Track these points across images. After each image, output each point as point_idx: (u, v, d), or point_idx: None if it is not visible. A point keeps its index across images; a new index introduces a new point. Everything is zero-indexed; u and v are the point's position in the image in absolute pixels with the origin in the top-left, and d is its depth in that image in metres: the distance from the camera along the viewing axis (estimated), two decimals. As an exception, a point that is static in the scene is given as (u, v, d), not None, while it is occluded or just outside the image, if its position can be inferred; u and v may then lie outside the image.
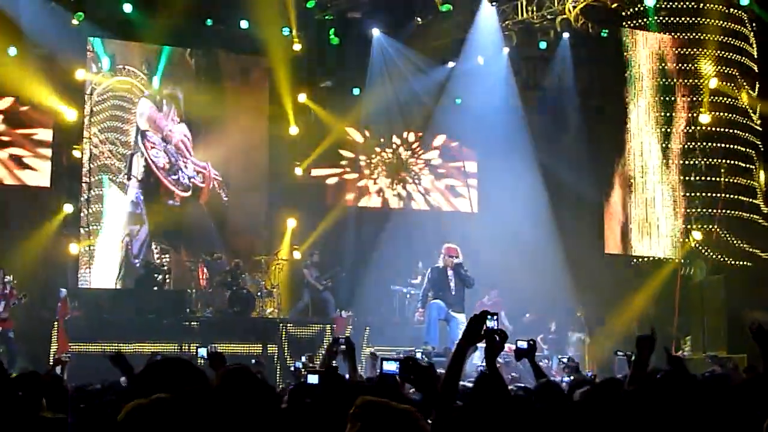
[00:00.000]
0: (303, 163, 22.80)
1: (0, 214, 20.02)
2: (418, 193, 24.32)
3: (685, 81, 21.13)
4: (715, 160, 20.82)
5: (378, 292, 21.26)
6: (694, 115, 21.02)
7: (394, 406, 3.59)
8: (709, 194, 20.92)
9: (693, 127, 21.02)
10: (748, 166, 21.18)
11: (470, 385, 7.43)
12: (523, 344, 7.06)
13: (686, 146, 21.12)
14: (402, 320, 20.54)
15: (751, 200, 20.99)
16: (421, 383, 4.88)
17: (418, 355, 14.91)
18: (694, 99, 21.03)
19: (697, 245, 20.58)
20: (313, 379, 5.52)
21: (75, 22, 20.20)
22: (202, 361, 8.41)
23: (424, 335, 16.69)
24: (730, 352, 19.21)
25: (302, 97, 22.67)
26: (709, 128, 20.87)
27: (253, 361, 10.51)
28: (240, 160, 22.29)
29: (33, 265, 19.27)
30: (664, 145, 21.19)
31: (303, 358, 11.50)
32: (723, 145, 20.85)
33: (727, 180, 20.88)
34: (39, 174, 20.82)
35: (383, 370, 5.13)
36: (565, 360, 11.06)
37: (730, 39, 21.05)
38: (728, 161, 20.93)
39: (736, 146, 20.86)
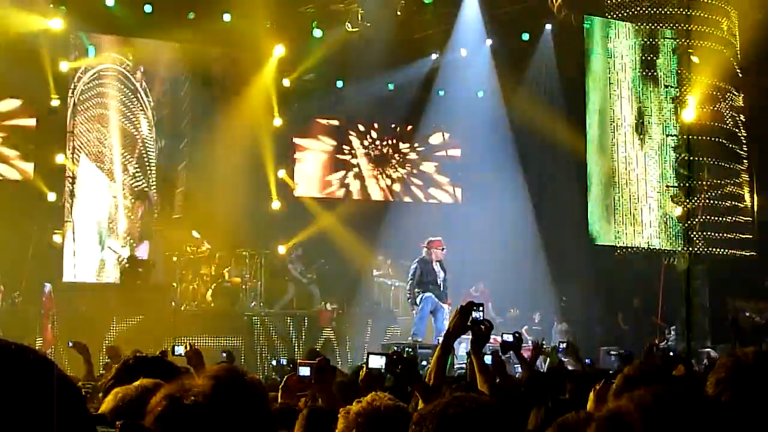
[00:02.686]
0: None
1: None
2: (401, 185, 24.36)
3: (669, 72, 21.15)
4: (699, 151, 20.84)
5: (363, 285, 21.30)
6: (678, 107, 21.05)
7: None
8: (692, 183, 20.94)
9: (677, 119, 21.04)
10: (734, 165, 21.20)
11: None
12: (509, 337, 7.16)
13: (670, 137, 21.15)
14: (387, 313, 20.59)
15: (735, 190, 21.04)
16: (407, 377, 4.93)
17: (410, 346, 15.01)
18: (678, 91, 21.05)
19: (679, 221, 20.59)
20: (304, 370, 5.55)
21: (57, 16, 20.10)
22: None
23: (414, 327, 16.77)
24: (714, 343, 19.34)
25: (286, 82, 22.63)
26: (693, 120, 20.90)
27: (224, 354, 10.46)
28: (223, 152, 22.28)
29: (16, 259, 19.21)
30: (647, 135, 21.22)
31: (283, 361, 11.47)
32: (707, 137, 20.87)
33: (711, 170, 20.91)
34: (22, 166, 20.76)
35: (370, 364, 5.16)
36: (564, 346, 11.10)
37: (716, 31, 21.06)
38: (713, 152, 20.95)
39: (720, 138, 20.89)
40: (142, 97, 21.80)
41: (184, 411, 2.30)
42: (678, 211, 20.42)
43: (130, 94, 21.68)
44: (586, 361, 11.33)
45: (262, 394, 2.44)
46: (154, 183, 21.83)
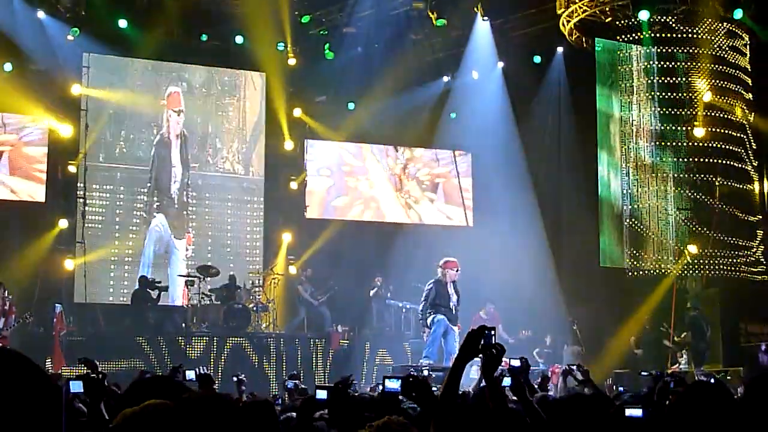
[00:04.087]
0: (298, 177, 22.89)
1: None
2: (412, 208, 24.34)
3: (679, 95, 21.14)
4: (709, 175, 20.82)
5: (373, 307, 21.25)
6: (688, 128, 21.05)
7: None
8: (704, 204, 20.89)
9: (687, 142, 21.04)
10: (744, 185, 21.14)
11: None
12: (516, 363, 7.13)
13: (681, 160, 21.13)
14: (398, 335, 20.55)
15: (746, 217, 20.96)
16: (423, 400, 4.91)
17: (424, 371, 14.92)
18: (688, 113, 21.05)
19: (693, 258, 20.56)
20: (321, 394, 5.55)
21: (70, 37, 20.23)
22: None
23: (425, 349, 16.70)
24: (726, 366, 19.25)
25: (297, 112, 22.74)
26: (703, 143, 20.89)
27: (235, 378, 10.39)
28: (236, 174, 22.38)
29: (28, 281, 19.23)
30: (658, 158, 21.20)
31: (290, 384, 11.36)
32: (718, 159, 20.86)
33: (722, 193, 20.87)
34: (34, 189, 20.81)
35: (386, 388, 5.16)
36: (574, 368, 10.97)
37: (724, 53, 21.09)
38: (723, 176, 20.92)
39: (731, 161, 20.88)
40: (165, 134, 21.97)
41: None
42: (693, 248, 20.37)
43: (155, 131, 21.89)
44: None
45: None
46: (176, 206, 21.86)
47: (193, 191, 22.04)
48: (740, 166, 20.98)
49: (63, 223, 20.55)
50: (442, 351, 16.74)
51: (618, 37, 21.40)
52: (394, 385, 5.06)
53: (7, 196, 20.66)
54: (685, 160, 21.04)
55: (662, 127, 21.11)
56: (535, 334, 20.98)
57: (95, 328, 19.32)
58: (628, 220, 21.06)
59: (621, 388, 12.87)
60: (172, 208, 21.79)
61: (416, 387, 4.80)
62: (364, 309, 21.29)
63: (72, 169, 20.87)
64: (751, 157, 21.20)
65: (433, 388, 5.99)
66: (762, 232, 21.06)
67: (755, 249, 20.84)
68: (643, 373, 11.51)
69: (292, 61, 22.13)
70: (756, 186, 21.43)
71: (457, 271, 16.85)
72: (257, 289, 20.54)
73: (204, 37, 21.60)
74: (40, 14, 19.93)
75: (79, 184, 20.84)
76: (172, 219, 21.75)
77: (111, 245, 21.10)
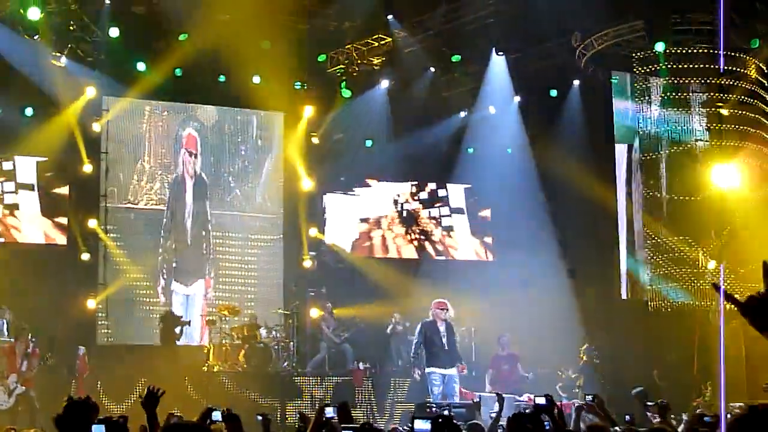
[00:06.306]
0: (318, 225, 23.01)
1: (16, 271, 19.96)
2: (432, 243, 24.34)
3: (696, 126, 21.08)
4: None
5: (395, 343, 21.21)
6: (703, 160, 21.00)
7: None
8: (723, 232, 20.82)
9: (701, 171, 20.97)
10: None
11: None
12: (542, 400, 7.07)
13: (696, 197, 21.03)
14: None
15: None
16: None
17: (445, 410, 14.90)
18: (705, 144, 20.98)
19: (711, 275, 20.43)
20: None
21: (90, 82, 20.36)
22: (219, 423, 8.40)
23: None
24: (751, 398, 19.06)
25: (314, 149, 22.81)
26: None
27: (259, 417, 10.34)
28: (252, 213, 22.43)
29: (50, 323, 19.25)
30: (676, 190, 21.13)
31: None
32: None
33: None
34: (56, 232, 20.91)
35: (415, 429, 5.15)
36: (589, 398, 10.86)
37: (743, 83, 21.03)
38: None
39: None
40: (180, 172, 22.08)
41: None
42: (712, 264, 20.27)
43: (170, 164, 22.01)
44: (626, 417, 11.13)
45: None
46: (190, 242, 21.89)
47: (210, 229, 22.08)
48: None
49: (85, 266, 20.64)
50: (445, 397, 16.69)
51: (634, 69, 21.39)
52: (424, 426, 5.06)
53: (29, 239, 20.76)
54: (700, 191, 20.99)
55: (681, 159, 21.05)
56: (556, 370, 20.85)
57: (118, 369, 19.30)
58: (648, 252, 21.00)
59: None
60: (187, 245, 21.81)
61: (447, 427, 4.81)
62: (385, 346, 21.25)
63: (93, 212, 20.96)
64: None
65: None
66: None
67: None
68: (648, 402, 11.45)
69: (308, 101, 22.21)
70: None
71: (443, 310, 16.84)
72: (278, 327, 20.51)
73: (222, 78, 21.69)
74: (61, 58, 20.07)
75: (100, 227, 20.95)
76: (188, 258, 21.77)
77: (132, 286, 21.14)
